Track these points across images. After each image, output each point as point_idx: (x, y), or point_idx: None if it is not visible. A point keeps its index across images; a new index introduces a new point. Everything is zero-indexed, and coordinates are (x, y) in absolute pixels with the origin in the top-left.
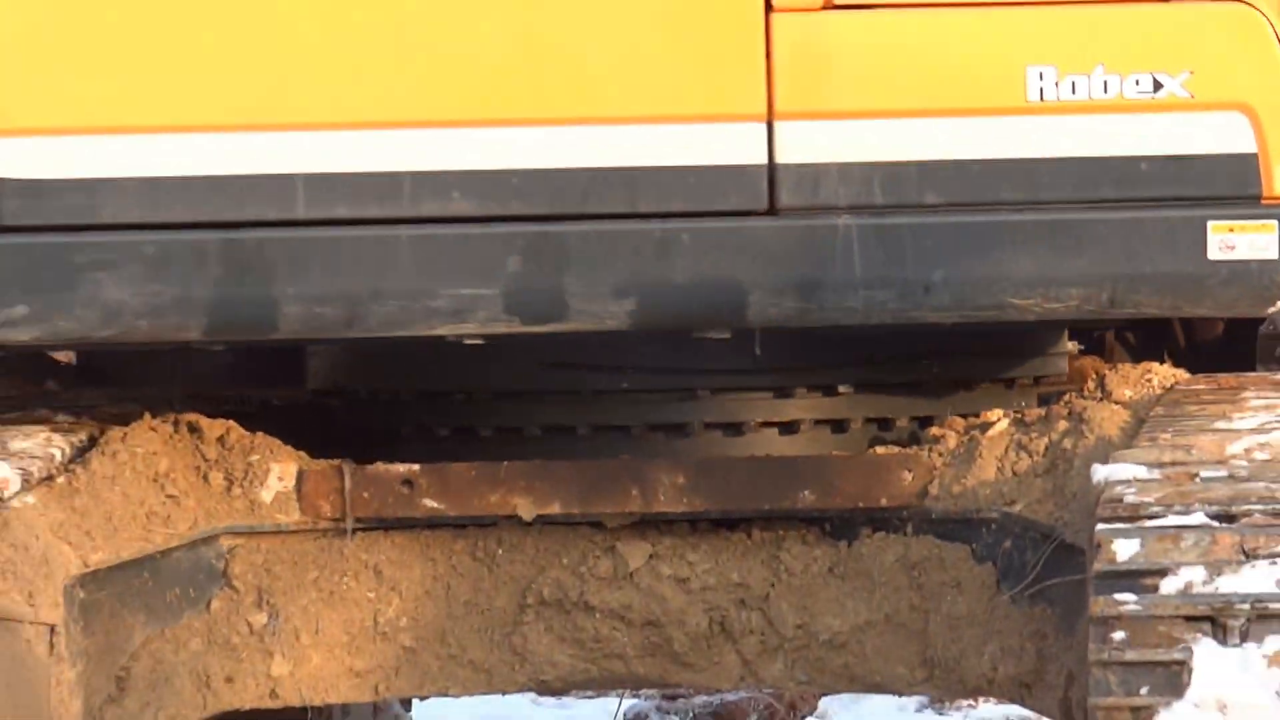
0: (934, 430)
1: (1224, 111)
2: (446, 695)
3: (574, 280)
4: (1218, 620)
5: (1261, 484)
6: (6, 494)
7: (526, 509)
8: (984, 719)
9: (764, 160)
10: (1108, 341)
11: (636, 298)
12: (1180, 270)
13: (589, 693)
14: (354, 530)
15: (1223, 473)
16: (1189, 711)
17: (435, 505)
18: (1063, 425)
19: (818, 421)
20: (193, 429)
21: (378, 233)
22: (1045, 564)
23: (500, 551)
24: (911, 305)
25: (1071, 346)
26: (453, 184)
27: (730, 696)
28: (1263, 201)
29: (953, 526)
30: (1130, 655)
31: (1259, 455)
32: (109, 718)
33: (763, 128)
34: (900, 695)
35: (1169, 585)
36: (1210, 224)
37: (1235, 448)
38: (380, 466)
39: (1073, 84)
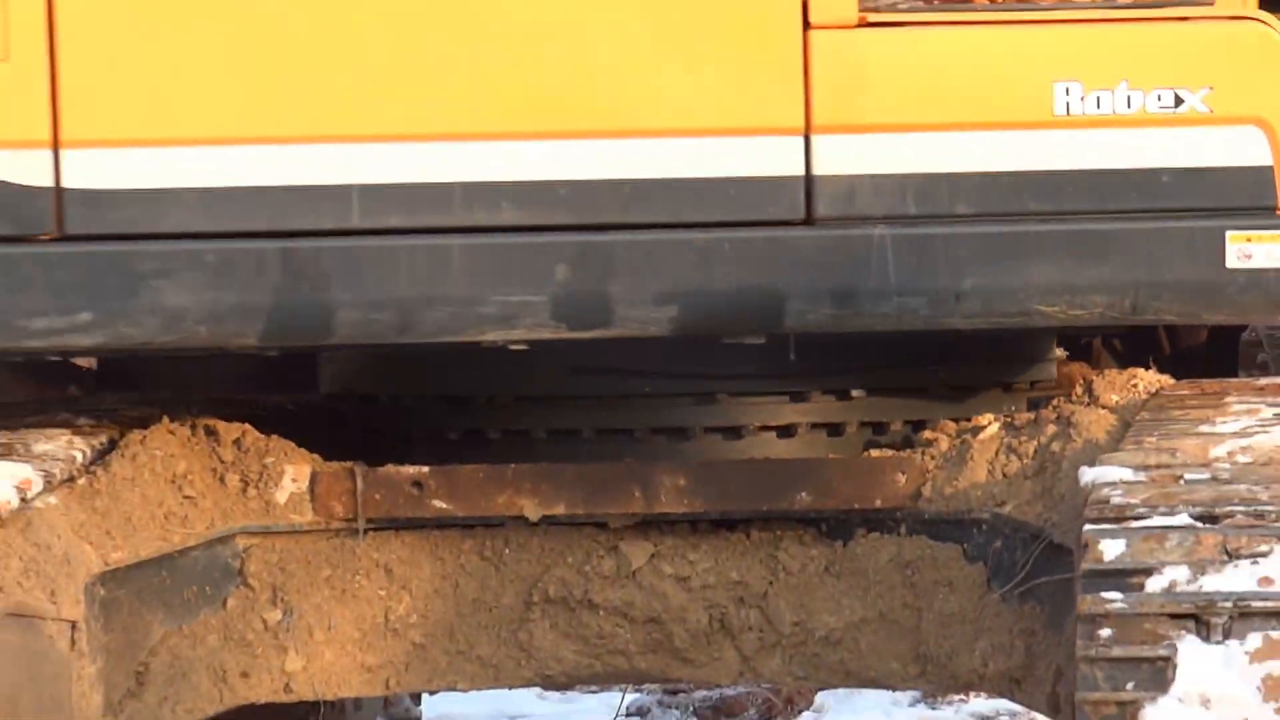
0: (927, 434)
1: (1241, 126)
2: (455, 690)
3: (619, 287)
4: (1201, 618)
5: (1244, 486)
6: (29, 495)
7: (532, 510)
8: (975, 713)
9: (801, 172)
10: (1095, 348)
11: (679, 304)
12: (1200, 278)
13: (592, 687)
14: (365, 530)
15: (1206, 475)
16: (1173, 706)
17: (444, 506)
18: (1051, 429)
19: (814, 425)
20: (210, 432)
21: (430, 242)
22: (1034, 563)
23: (507, 551)
24: (943, 312)
25: (1060, 353)
26: (502, 194)
27: (729, 691)
28: (1277, 212)
29: (945, 527)
30: (1117, 652)
31: (1241, 458)
32: (128, 711)
33: (800, 141)
34: (894, 690)
35: (1154, 584)
36: (1228, 234)
37: (1218, 451)
38: (391, 468)
39: (1098, 99)
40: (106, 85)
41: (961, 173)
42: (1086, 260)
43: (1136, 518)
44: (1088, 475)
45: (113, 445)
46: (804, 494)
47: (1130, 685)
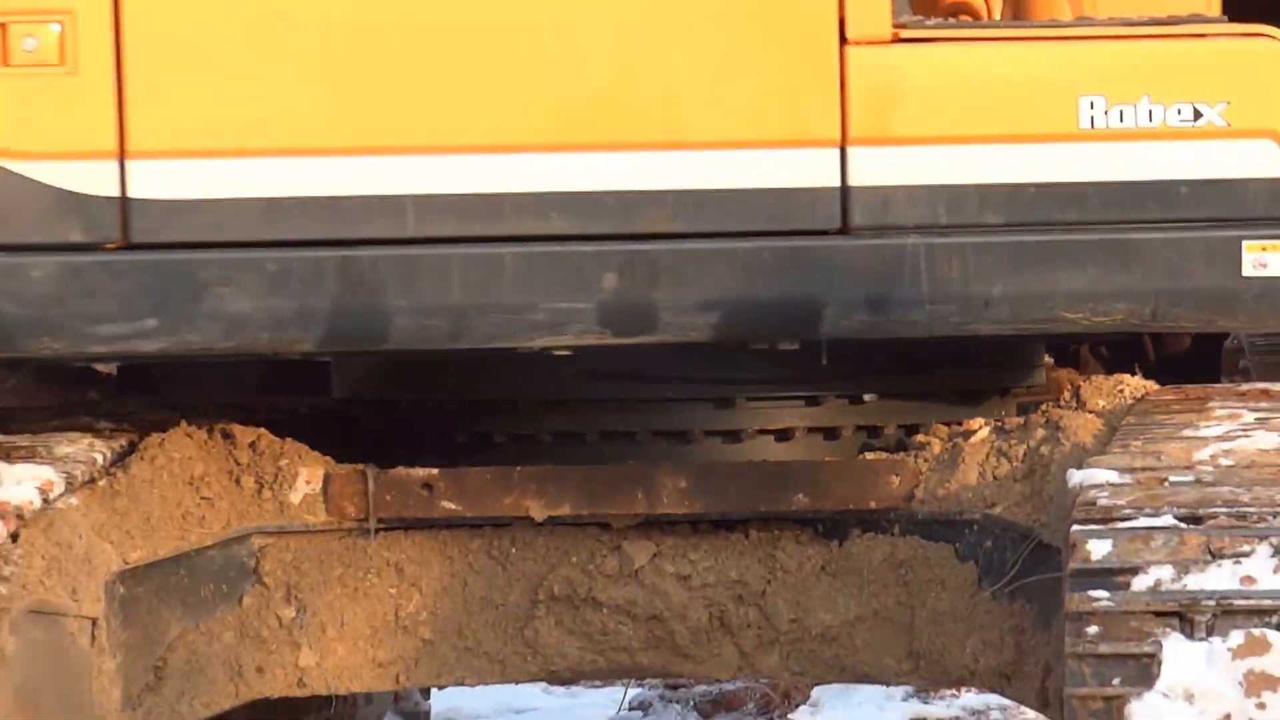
0: (920, 437)
1: (1257, 139)
2: (463, 684)
3: (663, 295)
4: (1185, 616)
5: (1226, 488)
6: (52, 496)
7: (538, 510)
8: (966, 708)
9: (838, 183)
10: (1082, 355)
11: (720, 311)
12: (1217, 286)
13: (596, 682)
14: (377, 530)
15: (1190, 478)
16: (1158, 701)
17: (453, 507)
18: (1040, 433)
19: (811, 429)
20: (226, 435)
21: (482, 250)
22: (1024, 563)
23: (514, 550)
24: (972, 318)
25: (1048, 359)
26: (552, 204)
27: (729, 686)
28: None
29: (937, 527)
30: (1104, 648)
31: (1224, 461)
32: (147, 705)
33: (836, 153)
34: (888, 685)
35: (1140, 583)
36: (1245, 243)
37: (1202, 454)
38: (401, 470)
39: (1121, 113)
40: (171, 98)
41: (991, 184)
42: (1109, 268)
43: (1123, 519)
44: (1075, 478)
45: (132, 448)
46: (801, 495)
47: (1117, 681)
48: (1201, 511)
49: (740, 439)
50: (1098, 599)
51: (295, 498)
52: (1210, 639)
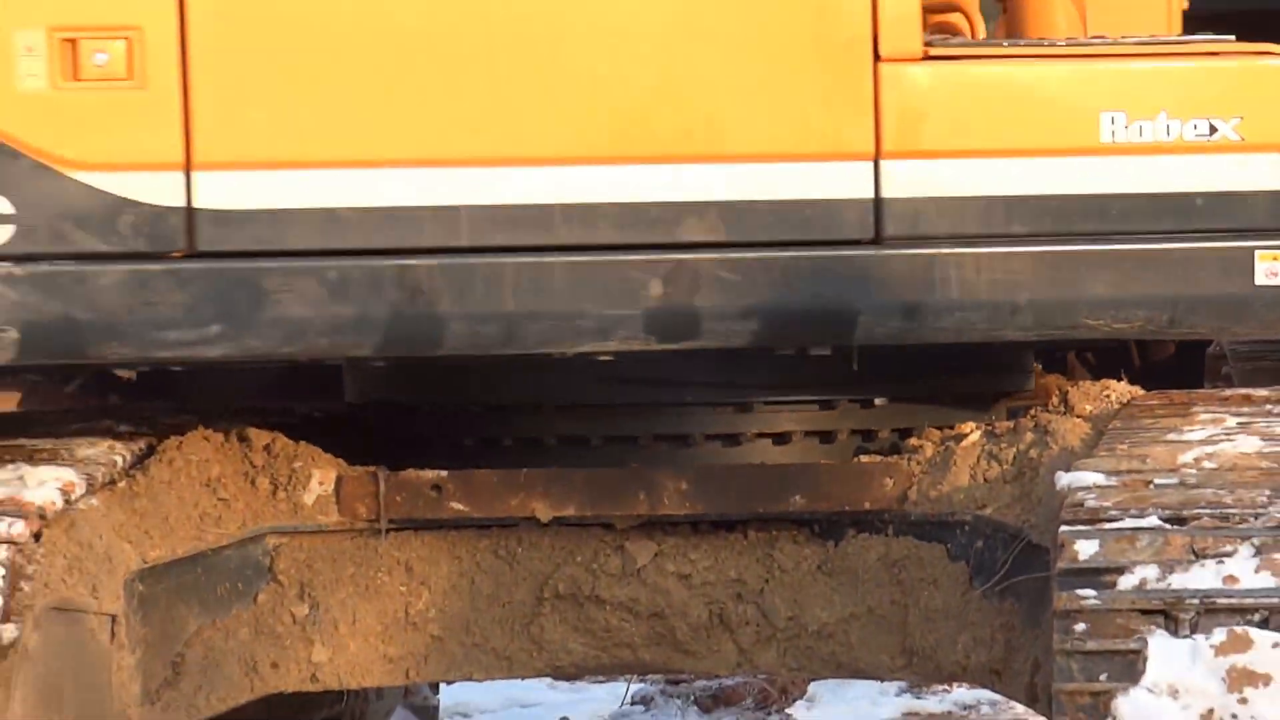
0: (913, 441)
1: (1269, 153)
2: (470, 680)
3: (705, 302)
4: (1170, 614)
5: (1210, 490)
6: (73, 497)
7: (544, 511)
8: (958, 702)
9: (871, 195)
10: (1070, 361)
11: (760, 318)
12: (1231, 294)
13: (600, 677)
14: (387, 530)
15: (1174, 480)
16: (1144, 696)
17: (461, 508)
18: (1029, 437)
19: (808, 433)
20: (242, 438)
21: (533, 259)
22: (1013, 562)
23: (520, 550)
24: (999, 325)
25: (1036, 366)
26: (599, 215)
27: (728, 681)
28: None
29: (930, 528)
30: (1091, 645)
31: (1207, 464)
32: (165, 699)
33: (870, 166)
34: (882, 680)
35: (1126, 582)
36: (1257, 253)
37: (1186, 457)
38: (411, 473)
39: (1140, 128)
40: (235, 112)
41: (1017, 195)
42: (1130, 277)
43: (1109, 520)
44: (1063, 480)
45: (151, 451)
46: (798, 497)
47: (1103, 676)
48: (1185, 513)
49: (739, 442)
50: (1085, 597)
51: (309, 499)
52: (1194, 636)
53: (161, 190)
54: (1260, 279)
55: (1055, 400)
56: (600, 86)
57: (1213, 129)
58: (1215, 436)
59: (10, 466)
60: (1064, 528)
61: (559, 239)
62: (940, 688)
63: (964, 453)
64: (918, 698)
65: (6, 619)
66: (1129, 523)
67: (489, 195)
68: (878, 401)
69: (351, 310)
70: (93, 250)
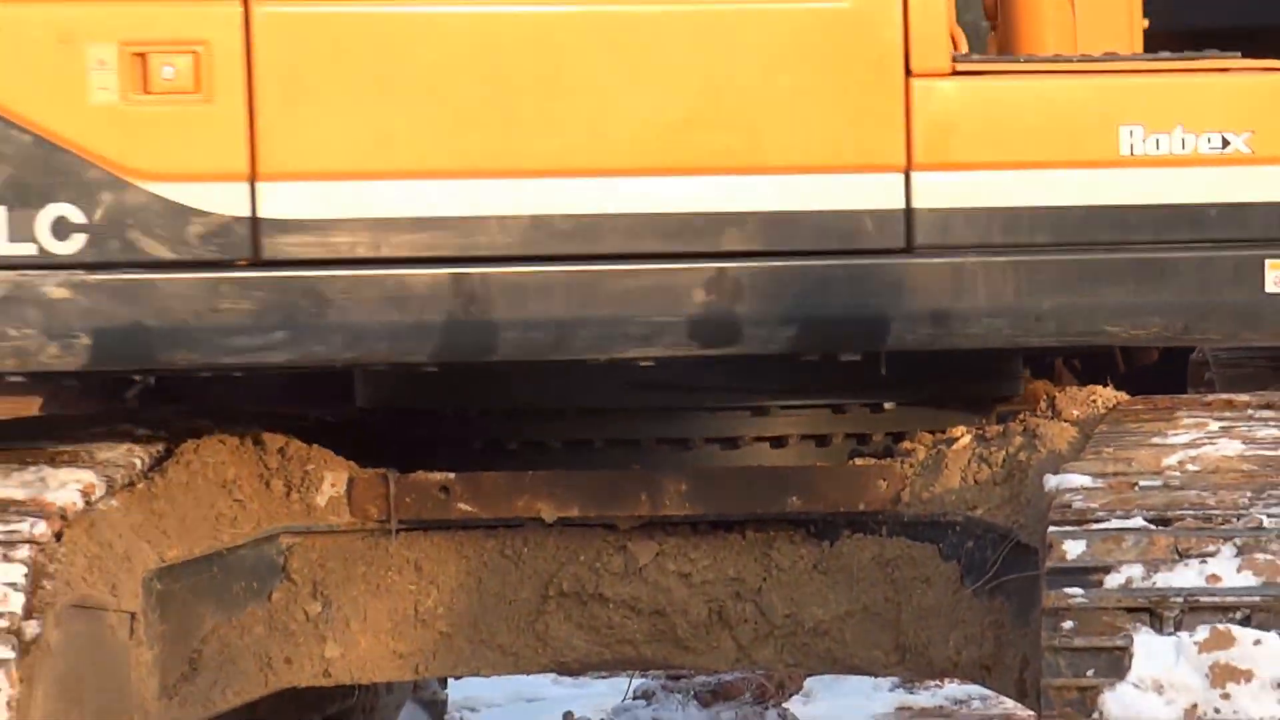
0: (906, 444)
1: (1278, 165)
2: (478, 675)
3: (745, 310)
4: (1155, 611)
5: (1193, 492)
6: (93, 498)
7: (549, 512)
8: (949, 697)
9: (903, 205)
10: (1057, 367)
11: (797, 325)
12: (1242, 302)
13: (603, 673)
14: (397, 530)
15: (1159, 482)
16: (1129, 691)
17: (469, 509)
18: (1018, 440)
19: (804, 436)
20: (257, 442)
21: (581, 268)
22: (1003, 562)
23: (525, 550)
24: (1023, 331)
25: (1025, 371)
26: (645, 225)
27: (727, 677)
28: None
29: (922, 529)
30: (1078, 642)
31: (1191, 467)
32: (182, 694)
33: (901, 178)
34: (876, 676)
35: (1112, 581)
36: (1268, 262)
37: (1170, 460)
38: (421, 475)
39: (1157, 141)
40: (298, 124)
41: (1040, 206)
42: (1147, 285)
43: (1096, 520)
44: (1051, 482)
45: (169, 453)
46: (794, 498)
47: (1091, 672)
48: (1170, 514)
49: (738, 445)
50: (1072, 595)
51: (321, 500)
52: (1178, 633)
53: (227, 200)
54: (1270, 287)
55: (1043, 405)
56: (645, 103)
57: (1225, 142)
58: (1198, 440)
59: (33, 469)
60: (1052, 528)
61: (606, 248)
62: (932, 683)
63: (955, 456)
64: (910, 692)
65: (29, 616)
66: (1115, 523)
67: (540, 206)
68: (886, 406)
69: (409, 317)
70: (161, 259)
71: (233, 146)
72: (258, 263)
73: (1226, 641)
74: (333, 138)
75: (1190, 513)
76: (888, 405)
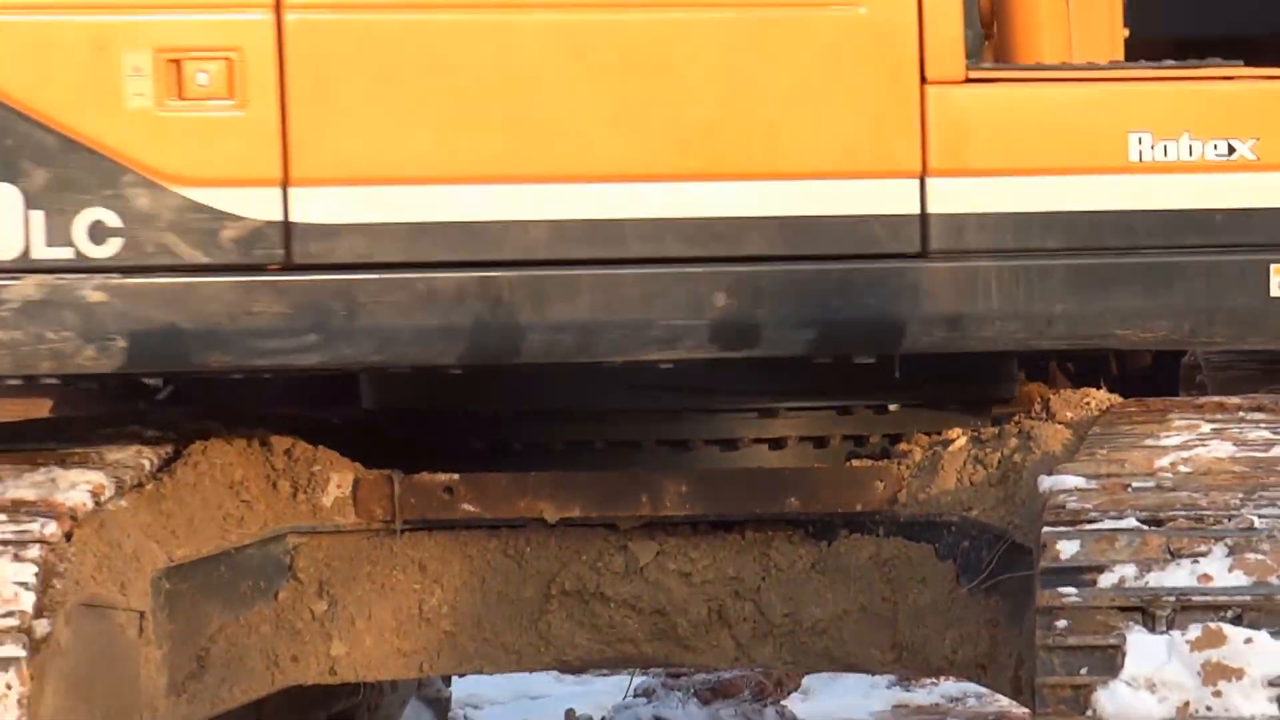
0: (902, 446)
1: None
2: (481, 673)
3: (766, 313)
4: (1147, 611)
5: (1185, 493)
6: (103, 499)
7: (551, 513)
8: (945, 695)
9: (918, 210)
10: (1051, 370)
11: (816, 328)
12: (1247, 306)
13: (604, 671)
14: (402, 530)
15: (1152, 483)
16: (1123, 689)
17: (472, 509)
18: (1013, 442)
19: (802, 438)
20: (263, 443)
21: (606, 272)
22: (998, 562)
23: (528, 549)
24: (1035, 335)
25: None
26: (668, 230)
27: (726, 674)
28: None
29: (918, 529)
30: (1072, 640)
31: (1183, 468)
32: (190, 691)
33: (917, 183)
34: (873, 674)
35: (1105, 580)
36: (1273, 266)
37: (1162, 462)
38: (425, 476)
39: (1164, 147)
40: (329, 131)
41: (1051, 211)
42: (1155, 290)
43: (1089, 521)
44: (1046, 483)
45: (177, 454)
46: (793, 499)
47: (1084, 670)
48: (1162, 515)
49: (737, 447)
50: (1066, 595)
51: (327, 501)
52: (1170, 632)
53: (260, 205)
54: (1275, 290)
55: (1038, 407)
56: (668, 110)
57: (1231, 149)
58: (1190, 442)
59: (43, 470)
60: (1046, 529)
61: (630, 252)
62: (929, 681)
63: (951, 457)
64: (907, 690)
65: (39, 615)
66: (1108, 524)
67: (565, 211)
68: (891, 408)
69: (438, 321)
70: (195, 262)
71: (265, 152)
72: (290, 266)
73: (1218, 640)
74: (362, 144)
75: (1182, 513)
76: (892, 407)
